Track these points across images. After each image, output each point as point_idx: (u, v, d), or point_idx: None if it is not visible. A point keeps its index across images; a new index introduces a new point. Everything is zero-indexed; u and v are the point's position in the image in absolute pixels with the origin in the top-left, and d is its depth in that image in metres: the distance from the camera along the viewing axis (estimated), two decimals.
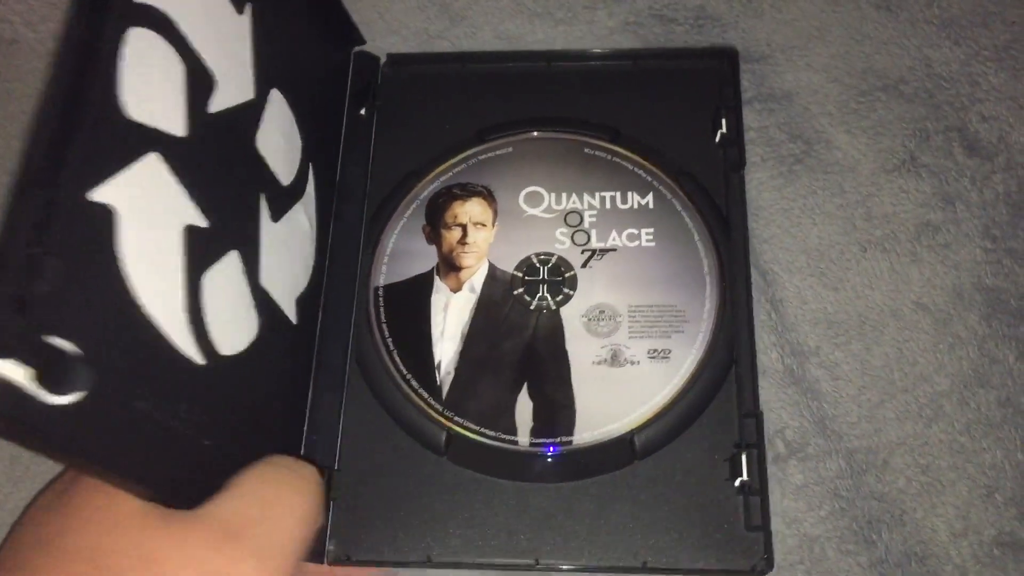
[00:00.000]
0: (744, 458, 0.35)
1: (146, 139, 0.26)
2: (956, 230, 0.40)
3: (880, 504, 0.36)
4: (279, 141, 0.35)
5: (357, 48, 0.44)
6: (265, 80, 0.34)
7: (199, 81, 0.29)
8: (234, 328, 0.31)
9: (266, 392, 0.34)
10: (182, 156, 0.27)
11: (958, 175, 0.41)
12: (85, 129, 0.23)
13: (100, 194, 0.24)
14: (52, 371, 0.21)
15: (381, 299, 0.39)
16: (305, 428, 0.36)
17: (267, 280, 0.33)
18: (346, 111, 0.42)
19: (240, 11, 0.32)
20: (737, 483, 0.35)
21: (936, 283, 0.40)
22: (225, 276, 0.30)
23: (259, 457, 0.31)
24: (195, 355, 0.28)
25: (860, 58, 0.44)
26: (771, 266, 0.40)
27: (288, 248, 0.36)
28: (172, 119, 0.27)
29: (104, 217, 0.24)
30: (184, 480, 0.28)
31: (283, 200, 0.35)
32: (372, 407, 0.38)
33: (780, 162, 0.42)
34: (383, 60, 0.44)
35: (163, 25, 0.27)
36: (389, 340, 0.38)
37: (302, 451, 0.36)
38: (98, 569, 0.25)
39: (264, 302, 0.33)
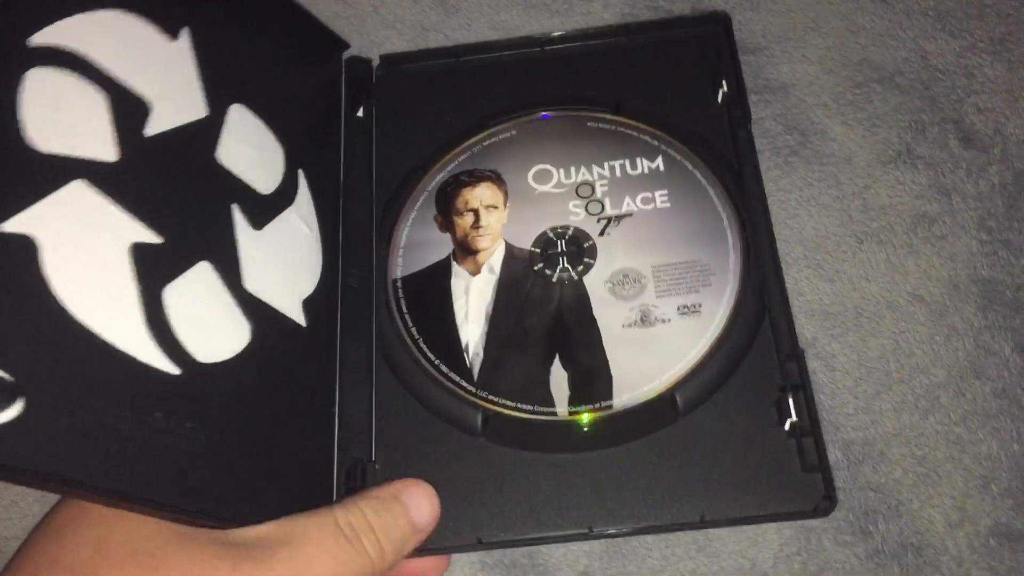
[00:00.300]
0: (791, 399, 0.34)
1: (66, 168, 0.27)
2: (952, 222, 0.41)
3: (877, 495, 0.37)
4: (248, 152, 0.35)
5: (348, 54, 0.44)
6: (220, 97, 0.34)
7: (128, 107, 0.30)
8: (216, 335, 0.31)
9: (276, 395, 0.34)
10: (115, 179, 0.28)
11: (954, 167, 0.41)
12: None
13: (14, 225, 0.25)
14: None
15: (400, 290, 0.39)
16: (336, 428, 0.36)
17: (255, 285, 0.33)
18: (345, 115, 0.42)
19: (174, 36, 0.33)
20: (787, 425, 0.34)
21: (932, 275, 0.40)
22: (195, 286, 0.31)
23: (280, 461, 0.31)
24: (166, 366, 0.28)
25: (856, 50, 0.44)
26: None
27: (282, 252, 0.36)
28: (97, 146, 0.28)
29: (24, 246, 0.25)
30: (191, 488, 0.28)
31: (264, 208, 0.35)
32: (403, 398, 0.37)
33: (776, 154, 0.42)
34: (376, 62, 0.44)
35: (71, 62, 0.29)
36: (413, 329, 0.38)
37: (335, 450, 0.36)
38: None
39: (254, 307, 0.33)
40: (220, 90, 0.34)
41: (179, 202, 0.31)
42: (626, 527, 0.34)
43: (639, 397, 0.35)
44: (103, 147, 0.29)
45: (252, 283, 0.33)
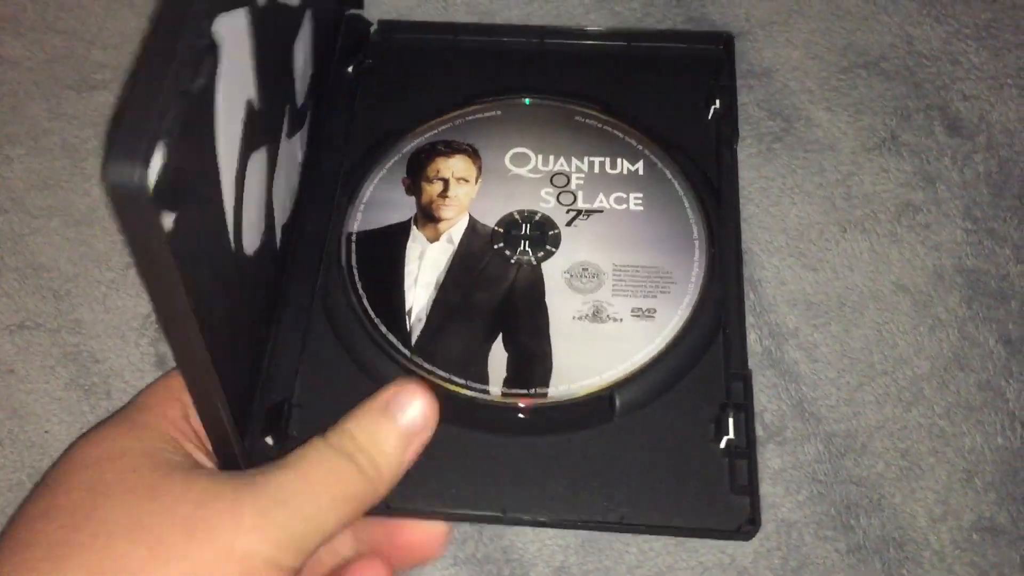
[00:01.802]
0: (731, 418, 0.33)
1: None
2: (937, 210, 0.40)
3: (858, 489, 0.36)
4: (302, 60, 0.35)
5: (350, 11, 0.44)
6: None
7: None
8: (250, 227, 0.30)
9: (245, 307, 0.33)
10: (258, 24, 0.28)
11: (939, 154, 0.41)
12: None
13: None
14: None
15: (354, 244, 0.38)
16: (266, 360, 0.35)
17: (274, 194, 0.33)
18: (333, 69, 0.42)
19: None
20: (723, 443, 0.33)
21: (916, 264, 0.39)
22: (256, 169, 0.30)
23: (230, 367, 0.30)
24: (231, 240, 0.28)
25: (841, 34, 0.43)
26: (749, 246, 0.40)
27: (289, 171, 0.36)
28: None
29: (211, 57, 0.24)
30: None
31: (296, 120, 0.35)
32: (334, 347, 0.36)
33: (759, 140, 0.41)
34: (374, 26, 0.44)
35: None
36: (359, 284, 0.37)
37: (260, 378, 0.35)
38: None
39: (268, 215, 0.33)
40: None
41: (272, 77, 0.31)
42: (542, 516, 0.33)
43: (576, 391, 0.35)
44: None
45: (275, 190, 0.33)
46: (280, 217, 0.35)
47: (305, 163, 0.39)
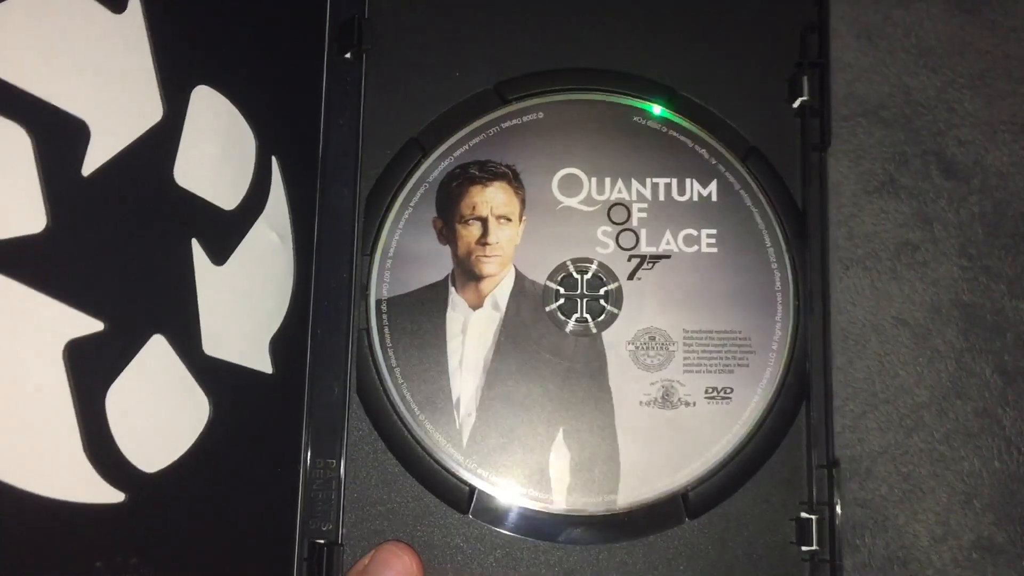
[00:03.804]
0: (815, 523, 0.30)
1: None
2: (934, 249, 0.42)
3: (864, 510, 0.38)
4: (213, 155, 0.28)
5: None
6: (180, 81, 0.27)
7: (60, 142, 0.22)
8: (169, 431, 0.26)
9: (234, 478, 0.28)
10: (43, 258, 0.21)
11: (936, 196, 0.43)
12: None
13: None
14: None
15: (385, 315, 0.33)
16: (300, 490, 0.31)
17: (216, 347, 0.27)
18: (326, 59, 0.34)
19: (119, 10, 0.24)
20: (805, 550, 0.31)
21: (915, 299, 0.41)
22: (145, 373, 0.25)
23: (238, 553, 0.28)
24: (108, 496, 0.23)
25: (842, 85, 0.46)
26: None
27: (248, 286, 0.30)
28: (20, 217, 0.21)
29: None
30: None
31: (229, 231, 0.29)
32: (381, 454, 0.32)
33: None
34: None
35: None
36: (397, 370, 0.32)
37: (298, 518, 0.31)
38: None
39: (214, 373, 0.27)
40: (180, 72, 0.27)
41: (126, 259, 0.24)
42: None
43: (647, 494, 0.31)
44: (27, 215, 0.21)
45: (213, 344, 0.27)
46: (254, 343, 0.30)
47: (308, 207, 0.33)
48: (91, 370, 0.23)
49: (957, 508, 0.38)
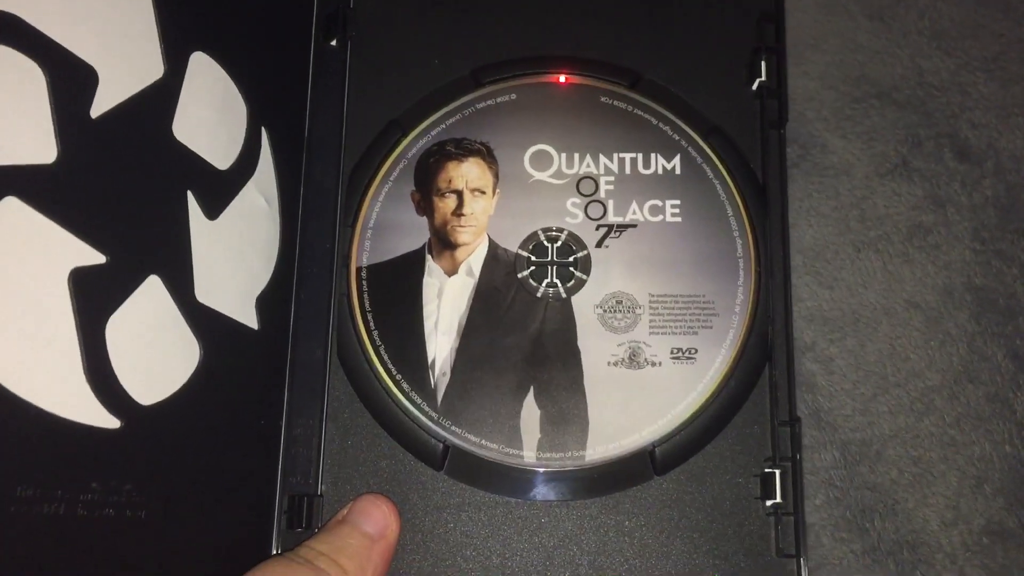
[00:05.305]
0: (778, 477, 0.32)
1: None
2: (947, 232, 0.42)
3: (873, 494, 0.38)
4: (208, 117, 0.30)
5: None
6: (180, 46, 0.29)
7: (71, 82, 0.24)
8: (161, 368, 0.27)
9: (221, 424, 0.30)
10: (54, 187, 0.23)
11: (949, 179, 0.43)
12: None
13: None
14: None
15: (365, 282, 0.34)
16: (282, 445, 0.33)
17: (208, 294, 0.29)
18: (313, 45, 0.37)
19: None
20: (769, 503, 0.32)
21: (927, 282, 0.41)
22: (142, 310, 0.26)
23: (223, 498, 0.29)
24: (105, 421, 0.25)
25: (854, 67, 0.45)
26: None
27: (238, 243, 0.31)
28: (34, 146, 0.23)
29: None
30: (133, 563, 0.25)
31: (222, 189, 0.30)
32: (357, 410, 0.34)
33: None
34: None
35: (3, 27, 0.22)
36: (375, 333, 0.34)
37: (279, 473, 0.33)
38: None
39: (205, 320, 0.29)
40: (180, 36, 0.29)
41: (128, 200, 0.26)
42: None
43: (615, 451, 0.33)
44: (41, 146, 0.23)
45: (204, 292, 0.29)
46: (242, 296, 0.32)
47: (294, 181, 0.35)
48: (93, 299, 0.24)
49: (967, 492, 0.38)
